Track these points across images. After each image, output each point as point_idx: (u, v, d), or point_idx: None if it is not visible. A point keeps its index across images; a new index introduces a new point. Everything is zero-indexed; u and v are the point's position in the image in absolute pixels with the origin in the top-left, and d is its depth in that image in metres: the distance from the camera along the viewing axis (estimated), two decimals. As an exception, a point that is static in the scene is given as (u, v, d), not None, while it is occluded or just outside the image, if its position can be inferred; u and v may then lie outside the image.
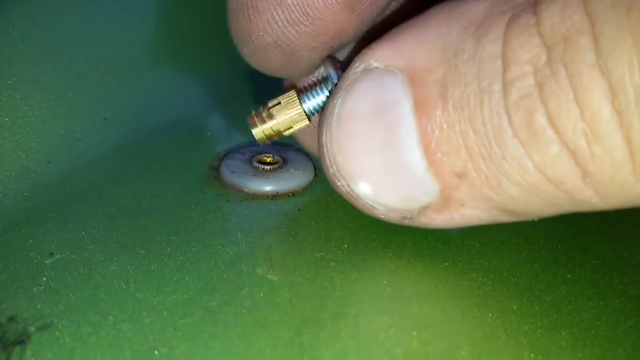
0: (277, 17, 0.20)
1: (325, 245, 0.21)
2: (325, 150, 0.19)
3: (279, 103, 0.22)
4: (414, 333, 0.18)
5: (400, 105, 0.17)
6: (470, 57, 0.16)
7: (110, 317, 0.17)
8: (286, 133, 0.22)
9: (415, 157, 0.17)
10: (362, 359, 0.17)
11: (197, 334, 0.17)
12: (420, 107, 0.17)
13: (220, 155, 0.27)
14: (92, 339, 0.16)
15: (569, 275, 0.21)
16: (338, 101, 0.19)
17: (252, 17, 0.20)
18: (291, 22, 0.20)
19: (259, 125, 0.22)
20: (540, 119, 0.15)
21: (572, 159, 0.15)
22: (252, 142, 0.28)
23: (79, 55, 0.28)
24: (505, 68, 0.15)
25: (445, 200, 0.18)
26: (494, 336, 0.18)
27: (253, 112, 0.22)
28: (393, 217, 0.20)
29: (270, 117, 0.22)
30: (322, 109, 0.22)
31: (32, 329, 0.17)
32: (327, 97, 0.21)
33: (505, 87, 0.15)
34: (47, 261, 0.19)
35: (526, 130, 0.15)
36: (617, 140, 0.14)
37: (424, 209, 0.19)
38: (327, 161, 0.19)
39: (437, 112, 0.17)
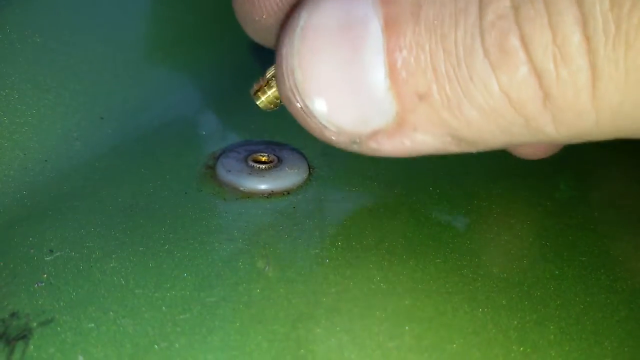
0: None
1: (319, 243, 0.22)
2: (284, 63, 0.18)
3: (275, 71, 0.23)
4: (407, 327, 0.18)
5: (369, 23, 0.17)
6: None
7: (111, 313, 0.18)
8: None
9: (378, 75, 0.17)
10: (356, 353, 0.17)
11: (195, 329, 0.17)
12: (390, 25, 0.17)
13: (216, 154, 0.27)
14: (93, 334, 0.17)
15: (557, 272, 0.21)
16: (304, 14, 0.18)
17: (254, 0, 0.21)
18: (290, 3, 0.20)
19: (261, 96, 0.23)
20: (514, 39, 0.15)
21: (538, 82, 0.15)
22: (248, 141, 0.29)
23: (76, 54, 0.29)
24: None
25: (399, 123, 0.18)
26: (483, 330, 0.18)
27: (254, 85, 0.23)
28: (342, 141, 0.19)
29: (270, 86, 0.23)
30: None
31: (34, 324, 0.17)
32: None
33: (482, 8, 0.15)
34: (47, 258, 0.20)
35: (498, 51, 0.15)
36: (582, 64, 0.14)
37: (375, 133, 0.18)
38: (285, 75, 0.19)
39: (408, 31, 0.16)
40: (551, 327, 0.19)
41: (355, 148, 0.19)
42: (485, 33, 0.15)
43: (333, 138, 0.19)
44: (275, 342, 0.17)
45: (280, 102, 0.23)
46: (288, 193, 0.25)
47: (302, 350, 0.17)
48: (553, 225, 0.24)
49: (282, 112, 0.23)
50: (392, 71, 0.17)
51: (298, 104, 0.19)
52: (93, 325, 0.17)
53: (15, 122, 0.25)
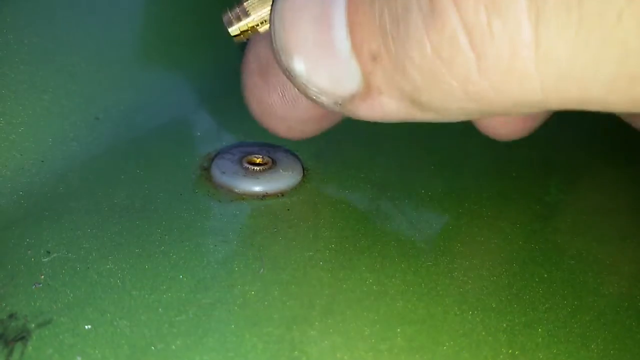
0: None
1: (313, 245, 0.22)
2: (272, 27, 0.19)
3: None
4: (398, 329, 0.18)
5: None
6: None
7: (108, 314, 0.18)
8: (261, 30, 0.22)
9: (342, 35, 0.17)
10: (349, 355, 0.17)
11: (191, 330, 0.18)
12: None
13: (211, 155, 0.28)
14: (90, 335, 0.17)
15: (545, 275, 0.22)
16: None
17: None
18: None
19: (234, 23, 0.22)
20: None
21: (468, 39, 0.14)
22: (242, 142, 0.29)
23: (72, 55, 0.29)
24: None
25: (367, 87, 0.18)
26: (473, 333, 0.19)
27: (228, 10, 0.22)
28: (326, 102, 0.19)
29: (245, 14, 0.22)
30: None
31: (32, 325, 0.17)
32: None
33: None
34: (44, 259, 0.20)
35: (429, 6, 0.14)
36: (521, 12, 0.12)
37: (352, 97, 0.19)
38: (273, 36, 0.19)
39: None
40: (540, 330, 0.19)
41: (337, 109, 0.19)
42: None
43: (314, 98, 0.20)
44: (270, 343, 0.17)
45: (252, 32, 0.22)
46: (282, 195, 0.25)
47: (296, 352, 0.17)
48: (542, 228, 0.25)
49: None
50: (351, 30, 0.17)
51: (284, 64, 0.19)
52: (90, 326, 0.17)
53: (11, 122, 0.25)
